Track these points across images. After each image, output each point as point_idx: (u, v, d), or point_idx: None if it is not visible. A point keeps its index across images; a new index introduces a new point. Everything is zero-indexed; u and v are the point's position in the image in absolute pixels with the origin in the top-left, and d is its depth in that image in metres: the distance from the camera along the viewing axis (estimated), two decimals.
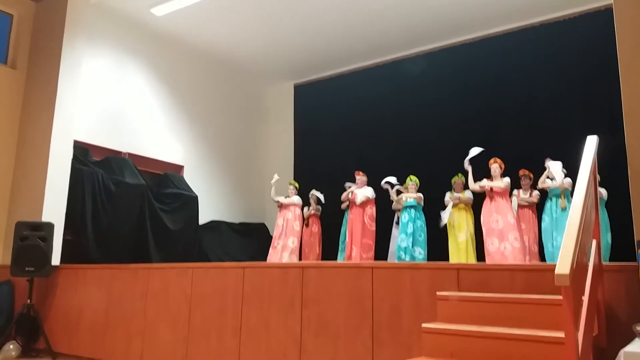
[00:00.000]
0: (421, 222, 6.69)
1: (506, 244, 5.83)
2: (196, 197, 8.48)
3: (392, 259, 7.02)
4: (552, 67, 7.46)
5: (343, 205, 7.61)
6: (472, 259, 6.31)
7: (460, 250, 6.41)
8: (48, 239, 6.15)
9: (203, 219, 8.73)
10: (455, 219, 6.54)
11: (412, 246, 6.52)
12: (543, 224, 6.10)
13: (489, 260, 5.88)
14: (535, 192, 6.35)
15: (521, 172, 6.41)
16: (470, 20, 7.97)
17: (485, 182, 6.17)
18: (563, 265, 2.32)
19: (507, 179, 6.11)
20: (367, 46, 8.91)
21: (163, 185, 8.26)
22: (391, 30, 8.35)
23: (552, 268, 2.35)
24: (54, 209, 6.45)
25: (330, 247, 7.83)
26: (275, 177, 7.82)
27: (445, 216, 6.45)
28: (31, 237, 6.09)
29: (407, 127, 8.65)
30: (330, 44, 8.90)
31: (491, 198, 6.09)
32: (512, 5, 7.52)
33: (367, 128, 9.10)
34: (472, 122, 7.99)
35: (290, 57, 9.45)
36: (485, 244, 6.00)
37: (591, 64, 7.00)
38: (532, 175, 6.36)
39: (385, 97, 9.00)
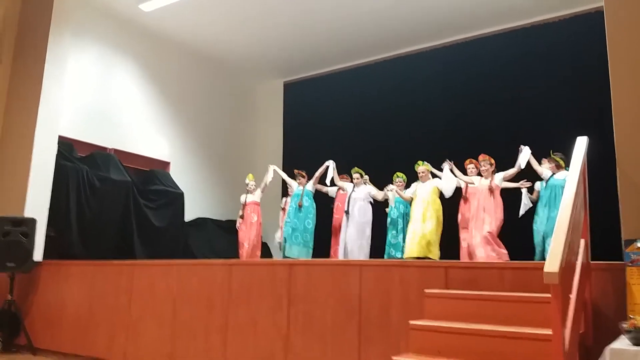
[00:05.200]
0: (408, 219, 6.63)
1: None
2: (182, 194, 8.41)
3: (344, 250, 6.76)
4: (543, 68, 7.51)
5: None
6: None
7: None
8: (30, 235, 6.06)
9: (189, 215, 8.66)
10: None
11: (403, 242, 6.49)
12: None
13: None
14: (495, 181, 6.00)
15: (481, 157, 6.13)
16: (460, 21, 8.00)
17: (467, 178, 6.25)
18: (552, 263, 2.34)
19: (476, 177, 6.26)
20: (358, 45, 8.91)
21: (149, 181, 8.18)
22: (381, 29, 8.36)
23: (541, 266, 2.36)
24: (37, 204, 6.35)
25: None
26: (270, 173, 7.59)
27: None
28: (13, 232, 6.00)
29: (396, 126, 8.65)
30: (320, 42, 8.88)
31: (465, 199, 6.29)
32: (503, 7, 7.57)
33: (357, 127, 9.09)
34: (461, 121, 8.02)
35: (280, 54, 9.41)
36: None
37: (581, 66, 7.06)
38: (492, 161, 6.08)
39: (375, 96, 9.00)
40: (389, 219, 6.77)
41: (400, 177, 6.85)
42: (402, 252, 6.40)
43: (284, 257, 6.96)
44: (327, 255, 7.28)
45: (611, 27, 3.72)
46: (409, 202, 6.58)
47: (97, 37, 8.01)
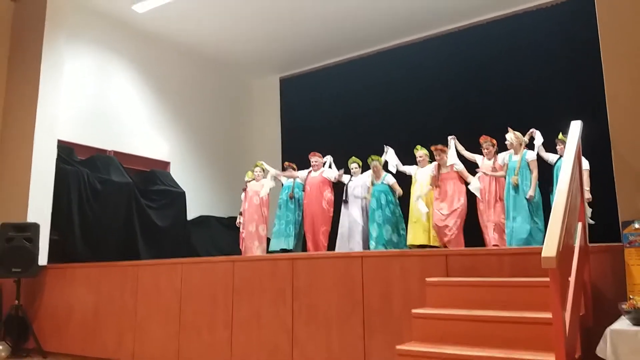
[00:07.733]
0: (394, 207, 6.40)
1: None
2: (183, 193, 8.43)
3: (342, 239, 6.59)
4: (536, 54, 7.50)
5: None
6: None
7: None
8: (34, 240, 6.10)
9: (191, 214, 8.68)
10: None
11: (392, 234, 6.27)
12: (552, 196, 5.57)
13: None
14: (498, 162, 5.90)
15: (482, 139, 6.00)
16: (454, 10, 7.98)
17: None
18: (550, 248, 2.36)
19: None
20: (353, 38, 8.89)
21: (150, 182, 8.21)
22: (376, 21, 8.33)
23: (539, 251, 2.38)
24: (39, 209, 6.38)
25: None
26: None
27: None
28: (17, 238, 6.03)
29: (394, 117, 8.63)
30: (315, 37, 8.86)
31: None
32: None
33: (354, 120, 9.07)
34: (458, 111, 8.00)
35: (276, 50, 9.40)
36: None
37: (574, 50, 7.06)
38: (494, 142, 5.96)
39: (372, 88, 8.97)
40: (370, 210, 6.46)
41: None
42: (383, 246, 6.15)
43: (278, 249, 6.93)
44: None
45: (602, 11, 3.73)
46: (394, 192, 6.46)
47: (92, 39, 8.02)
